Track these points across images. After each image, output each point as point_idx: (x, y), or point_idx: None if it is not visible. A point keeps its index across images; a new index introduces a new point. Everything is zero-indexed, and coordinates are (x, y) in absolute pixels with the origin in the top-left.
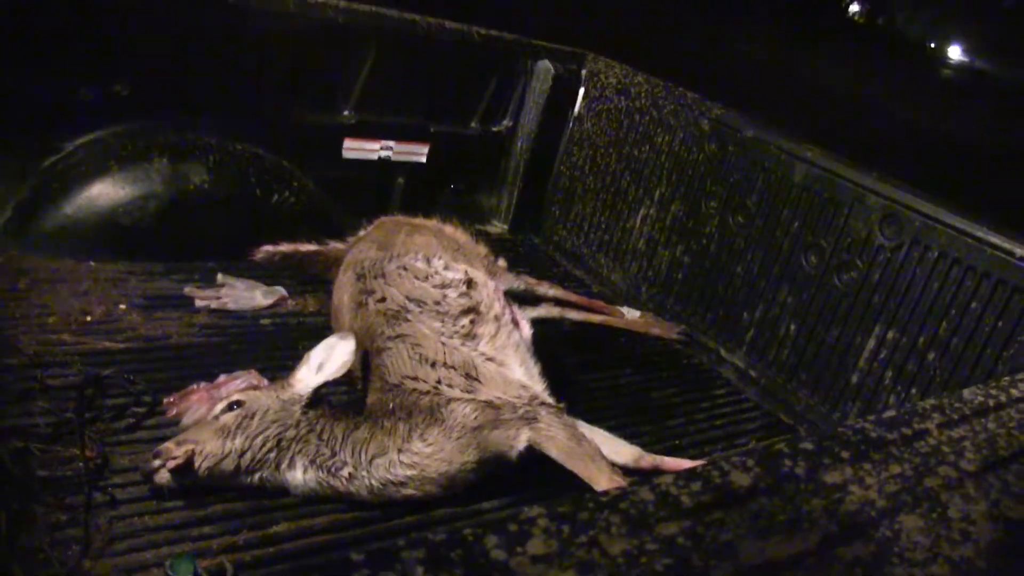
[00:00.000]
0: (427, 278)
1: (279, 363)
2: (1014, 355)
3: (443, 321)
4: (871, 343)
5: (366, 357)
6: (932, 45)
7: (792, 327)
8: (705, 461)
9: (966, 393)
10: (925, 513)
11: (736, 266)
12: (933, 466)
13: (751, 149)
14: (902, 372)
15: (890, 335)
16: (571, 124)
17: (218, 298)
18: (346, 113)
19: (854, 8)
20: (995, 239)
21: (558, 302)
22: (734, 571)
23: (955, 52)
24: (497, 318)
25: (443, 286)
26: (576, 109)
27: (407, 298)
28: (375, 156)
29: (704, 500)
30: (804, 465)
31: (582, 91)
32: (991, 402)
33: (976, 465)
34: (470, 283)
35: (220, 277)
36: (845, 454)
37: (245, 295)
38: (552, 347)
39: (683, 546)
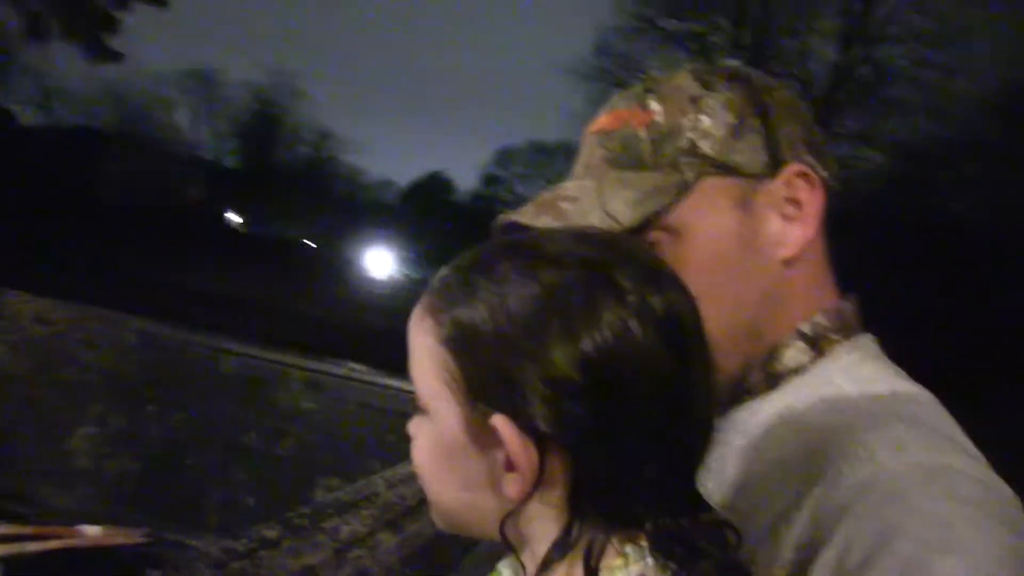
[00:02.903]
0: None
1: None
2: None
3: None
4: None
5: None
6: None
7: (252, 500)
8: None
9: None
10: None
11: (186, 459)
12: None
13: (177, 352)
14: None
15: (335, 483)
16: None
17: None
18: None
19: (231, 217)
20: (391, 382)
21: (7, 539)
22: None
23: None
24: None
25: None
26: None
27: None
28: None
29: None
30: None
31: None
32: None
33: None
34: None
35: None
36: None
37: None
38: None
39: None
